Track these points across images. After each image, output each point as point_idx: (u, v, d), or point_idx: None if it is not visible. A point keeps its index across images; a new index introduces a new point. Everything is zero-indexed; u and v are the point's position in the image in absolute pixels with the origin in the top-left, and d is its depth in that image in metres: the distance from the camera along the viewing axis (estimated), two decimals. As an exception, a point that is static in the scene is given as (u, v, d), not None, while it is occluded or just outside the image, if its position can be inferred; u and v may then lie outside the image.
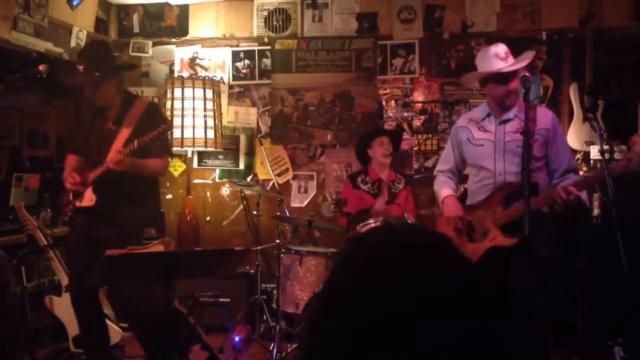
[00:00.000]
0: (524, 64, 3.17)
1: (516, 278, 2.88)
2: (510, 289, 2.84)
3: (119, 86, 3.65)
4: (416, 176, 4.97)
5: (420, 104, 5.18)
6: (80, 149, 3.69)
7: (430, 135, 5.14)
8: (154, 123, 3.54)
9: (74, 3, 4.12)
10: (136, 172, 3.46)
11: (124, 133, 3.51)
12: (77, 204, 3.57)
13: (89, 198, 3.52)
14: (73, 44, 4.87)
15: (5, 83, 3.31)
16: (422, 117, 5.17)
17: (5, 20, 4.14)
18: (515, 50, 3.31)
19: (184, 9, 5.50)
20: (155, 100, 5.34)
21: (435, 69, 5.17)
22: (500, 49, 3.15)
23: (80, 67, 3.47)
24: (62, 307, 4.13)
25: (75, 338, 4.07)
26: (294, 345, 4.06)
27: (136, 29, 5.57)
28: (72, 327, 4.09)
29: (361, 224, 4.10)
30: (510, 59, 3.15)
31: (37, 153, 5.42)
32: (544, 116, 3.15)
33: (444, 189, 3.37)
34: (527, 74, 2.97)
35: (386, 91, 5.24)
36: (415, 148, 5.16)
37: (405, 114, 5.20)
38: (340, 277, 0.86)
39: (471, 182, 3.34)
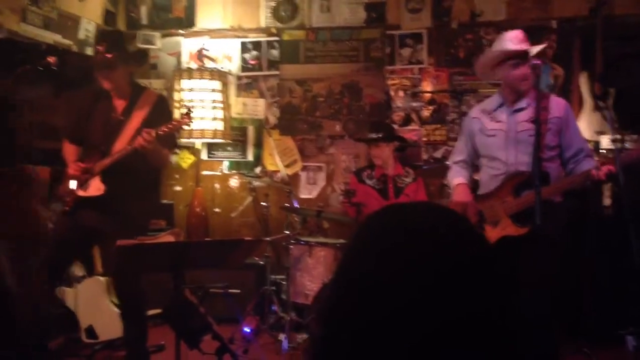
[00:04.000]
0: (537, 48, 3.15)
1: (526, 267, 2.87)
2: (520, 278, 2.83)
3: (130, 76, 3.65)
4: (425, 167, 4.96)
5: (428, 94, 5.16)
6: (82, 137, 3.63)
7: (439, 126, 5.13)
8: (164, 115, 3.55)
9: (82, -5, 4.12)
10: (152, 157, 3.42)
11: (134, 124, 3.49)
12: (81, 193, 3.50)
13: (96, 187, 3.47)
14: (81, 36, 4.88)
15: (15, 75, 3.31)
16: (431, 107, 5.15)
17: (14, 12, 4.15)
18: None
19: (191, 1, 5.50)
20: (164, 92, 5.35)
21: (443, 59, 5.14)
22: (517, 33, 3.14)
23: (101, 47, 3.45)
24: (74, 298, 4.16)
25: (87, 329, 4.11)
26: (304, 336, 4.08)
27: (144, 21, 5.57)
28: (84, 318, 4.13)
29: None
30: (526, 45, 3.13)
31: (46, 145, 5.44)
32: (556, 104, 3.13)
33: (456, 177, 3.37)
34: (537, 62, 2.95)
35: (394, 81, 5.22)
36: (424, 139, 5.15)
37: (414, 104, 5.18)
38: (349, 262, 0.86)
39: (483, 172, 3.33)
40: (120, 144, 3.44)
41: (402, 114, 5.19)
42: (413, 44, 5.16)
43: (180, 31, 5.53)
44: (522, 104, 3.16)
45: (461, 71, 5.06)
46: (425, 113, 5.16)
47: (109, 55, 3.42)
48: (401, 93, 5.20)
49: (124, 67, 3.52)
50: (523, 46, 3.11)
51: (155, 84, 5.47)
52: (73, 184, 3.51)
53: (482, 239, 0.85)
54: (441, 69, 5.14)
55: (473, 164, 3.48)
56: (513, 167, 3.10)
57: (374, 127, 4.65)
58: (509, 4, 5.00)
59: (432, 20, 5.11)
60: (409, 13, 5.15)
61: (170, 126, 3.33)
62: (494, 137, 3.19)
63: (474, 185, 3.50)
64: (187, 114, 3.48)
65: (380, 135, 4.50)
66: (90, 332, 4.12)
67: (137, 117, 3.50)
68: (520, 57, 3.11)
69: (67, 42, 4.75)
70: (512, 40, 3.12)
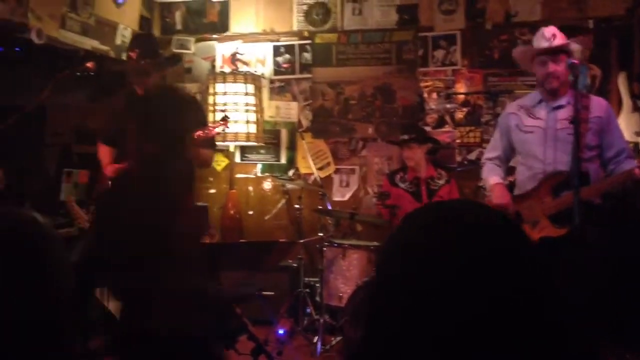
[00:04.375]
0: (560, 42, 3.09)
1: (565, 269, 2.82)
2: (559, 280, 2.78)
3: (163, 79, 3.70)
4: (458, 169, 4.92)
5: (462, 96, 5.11)
6: (117, 141, 3.68)
7: (472, 128, 5.07)
8: (197, 116, 3.59)
9: (119, 1, 4.21)
10: (194, 157, 3.47)
11: None
12: None
13: None
14: (118, 41, 4.97)
15: (54, 80, 3.38)
16: (465, 109, 5.11)
17: (54, 19, 4.25)
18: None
19: (225, 5, 5.56)
20: (198, 96, 5.42)
21: (477, 60, 5.09)
22: (548, 30, 3.10)
23: (133, 54, 3.49)
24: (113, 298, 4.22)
25: (123, 329, 4.17)
26: (338, 338, 4.07)
27: (179, 26, 5.65)
28: (121, 319, 4.18)
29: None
30: (557, 41, 3.08)
31: (85, 149, 5.55)
32: (597, 104, 3.08)
33: (492, 176, 3.32)
34: (575, 61, 2.90)
35: (427, 83, 5.19)
36: (458, 140, 5.10)
37: (448, 106, 5.14)
38: (390, 262, 0.85)
39: (520, 171, 3.28)
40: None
41: (436, 116, 5.16)
42: (446, 46, 5.12)
43: (214, 36, 5.59)
44: (562, 101, 3.11)
45: (496, 72, 5.00)
46: (459, 115, 5.12)
47: (143, 63, 3.46)
48: (434, 95, 5.17)
49: (157, 72, 3.58)
50: (553, 43, 3.06)
51: (190, 88, 5.53)
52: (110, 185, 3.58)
53: (524, 232, 0.84)
54: (475, 70, 5.09)
55: (507, 161, 3.43)
56: (551, 165, 3.05)
57: (405, 129, 4.63)
58: (545, 4, 4.93)
59: (465, 22, 5.07)
60: (442, 14, 5.12)
61: (206, 131, 3.35)
62: (531, 133, 3.15)
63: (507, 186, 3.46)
64: (224, 119, 3.51)
65: (412, 137, 4.48)
66: (127, 332, 4.18)
67: None
68: (547, 54, 3.06)
69: (104, 47, 4.84)
70: (543, 36, 3.08)
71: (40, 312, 0.91)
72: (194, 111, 3.71)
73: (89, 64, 3.48)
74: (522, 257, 0.80)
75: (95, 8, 4.64)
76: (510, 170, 3.56)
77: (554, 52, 3.05)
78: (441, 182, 4.57)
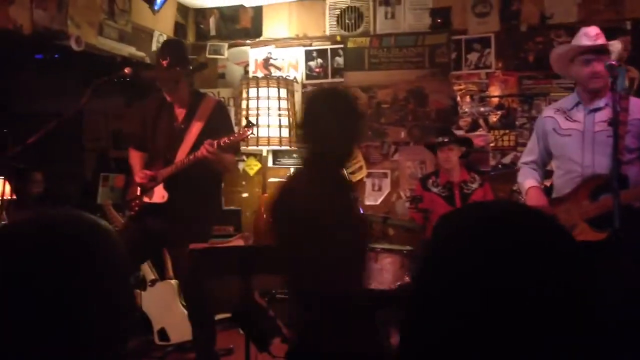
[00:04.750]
0: (604, 42, 3.04)
1: (605, 274, 2.76)
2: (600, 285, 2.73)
3: (191, 85, 3.74)
4: (492, 173, 4.86)
5: (496, 99, 5.06)
6: (147, 145, 3.73)
7: (507, 131, 5.01)
8: (223, 121, 3.62)
9: (155, 8, 4.28)
10: (217, 164, 3.49)
11: (194, 131, 3.56)
12: (146, 200, 3.59)
13: (160, 195, 3.55)
14: (154, 48, 5.05)
15: (93, 86, 3.44)
16: (499, 112, 5.05)
17: (92, 26, 4.34)
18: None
19: (258, 11, 5.61)
20: (231, 101, 5.49)
21: (512, 63, 5.03)
22: (592, 29, 3.05)
23: (164, 62, 3.53)
24: (147, 300, 4.29)
25: (159, 331, 4.23)
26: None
27: (212, 32, 5.73)
28: (157, 321, 4.25)
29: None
30: (601, 40, 3.02)
31: (121, 154, 5.66)
32: (637, 106, 3.01)
33: (528, 180, 3.27)
34: (613, 62, 2.85)
35: (461, 87, 5.15)
36: (492, 144, 5.05)
37: (482, 109, 5.09)
38: (431, 265, 0.83)
39: (557, 175, 3.22)
40: (183, 152, 3.52)
41: (469, 119, 5.11)
42: (480, 49, 5.08)
43: (247, 41, 5.65)
44: (600, 103, 3.05)
45: (531, 75, 4.94)
46: (493, 118, 5.07)
47: (173, 71, 3.50)
48: (468, 98, 5.13)
49: (187, 79, 3.62)
50: (597, 42, 3.01)
51: (223, 93, 5.60)
52: (139, 191, 3.63)
53: (566, 231, 0.83)
54: (510, 73, 5.03)
55: (544, 165, 3.37)
56: (589, 169, 2.99)
57: (441, 132, 4.60)
58: (581, 5, 4.85)
59: (500, 24, 5.02)
60: (475, 17, 5.08)
61: (231, 138, 3.36)
62: (569, 136, 3.09)
63: (544, 190, 3.40)
64: (249, 126, 3.53)
65: (451, 138, 4.45)
66: (163, 334, 4.24)
67: (197, 125, 3.57)
68: (592, 53, 3.01)
69: (140, 54, 4.93)
70: (586, 35, 3.03)
71: (107, 313, 0.93)
72: (224, 118, 3.74)
73: (126, 70, 3.53)
74: (570, 257, 0.78)
75: (132, 15, 4.73)
76: (548, 174, 3.50)
77: (598, 52, 3.00)
78: (474, 185, 4.52)
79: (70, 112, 3.45)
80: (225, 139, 3.33)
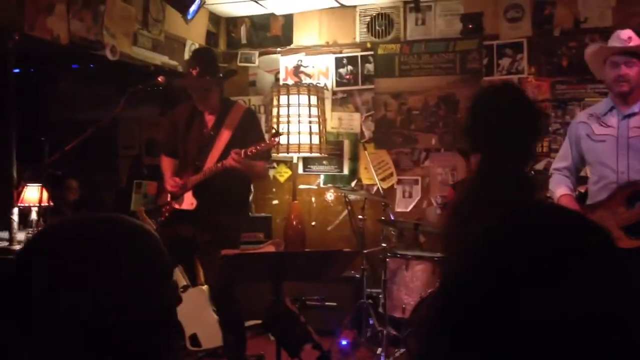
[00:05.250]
0: (637, 45, 2.97)
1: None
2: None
3: (221, 92, 3.78)
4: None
5: (529, 105, 4.99)
6: (178, 152, 3.76)
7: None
8: (253, 129, 3.64)
9: (188, 17, 4.34)
10: (246, 172, 3.52)
11: (224, 138, 3.59)
12: (177, 206, 3.63)
13: (189, 202, 3.59)
14: (186, 56, 5.13)
15: (127, 95, 3.51)
16: (532, 118, 4.98)
17: (127, 36, 4.43)
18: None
19: (289, 19, 5.65)
20: (262, 108, 5.53)
21: (545, 68, 4.97)
22: (625, 32, 2.99)
23: (194, 71, 3.56)
24: (179, 306, 4.33)
25: (191, 337, 4.26)
26: (402, 350, 4.03)
27: (243, 40, 5.79)
28: (188, 326, 4.28)
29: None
30: (633, 43, 2.96)
31: (154, 161, 5.74)
32: None
33: (560, 188, 3.21)
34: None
35: (493, 92, 5.09)
36: (525, 150, 4.97)
37: (514, 115, 5.02)
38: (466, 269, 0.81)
39: (591, 182, 3.16)
40: (212, 159, 3.55)
41: (501, 125, 5.05)
42: (512, 54, 5.02)
43: (278, 49, 5.69)
44: (635, 108, 2.99)
45: (564, 80, 4.86)
46: (526, 124, 4.99)
47: (203, 80, 3.53)
48: (500, 104, 5.06)
49: (217, 87, 3.67)
50: (628, 45, 2.95)
51: (254, 101, 5.65)
52: (169, 197, 3.68)
53: (605, 230, 0.80)
54: (542, 78, 4.96)
55: (577, 172, 3.31)
56: (624, 175, 2.93)
57: None
58: (616, 9, 4.76)
59: (532, 29, 4.96)
60: (507, 22, 5.03)
61: (258, 147, 3.37)
62: (603, 142, 3.03)
63: (578, 197, 3.34)
64: (276, 135, 3.55)
65: None
66: (194, 339, 4.27)
67: (227, 132, 3.59)
68: (621, 55, 2.95)
69: (173, 62, 5.00)
70: (618, 37, 2.98)
71: (156, 313, 0.94)
72: (254, 125, 3.78)
73: (160, 79, 3.59)
74: (613, 261, 0.76)
75: (165, 25, 4.81)
76: (583, 180, 3.43)
77: (628, 55, 2.94)
78: (507, 192, 4.46)
79: (106, 120, 3.52)
80: (252, 149, 3.35)
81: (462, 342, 0.76)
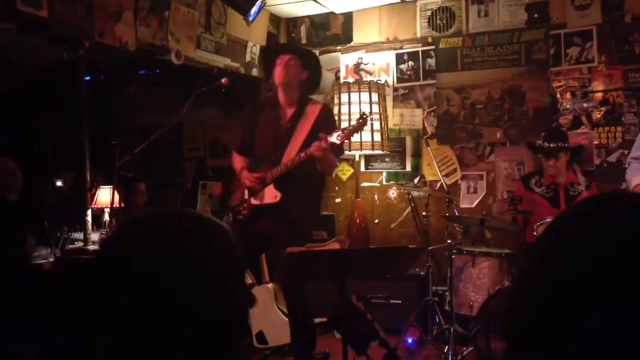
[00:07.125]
0: None
1: None
2: None
3: (303, 90, 3.82)
4: (596, 172, 4.62)
5: (600, 95, 4.80)
6: (250, 148, 3.80)
7: (612, 128, 4.74)
8: (330, 124, 3.66)
9: (250, 19, 4.40)
10: (323, 163, 3.52)
11: (304, 130, 3.61)
12: (256, 202, 3.65)
13: (271, 195, 3.60)
14: (248, 58, 5.20)
15: (192, 98, 3.58)
16: (603, 108, 4.78)
17: (191, 40, 4.53)
18: None
19: (348, 17, 5.64)
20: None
21: (616, 56, 4.76)
22: None
23: (303, 77, 3.71)
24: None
25: (257, 334, 4.32)
26: (470, 348, 3.95)
27: (303, 40, 5.81)
28: (255, 324, 4.34)
29: (538, 223, 3.89)
30: None
31: (218, 162, 5.86)
32: None
33: (636, 177, 3.07)
34: None
35: (560, 83, 4.93)
36: (596, 142, 4.79)
37: (585, 105, 4.84)
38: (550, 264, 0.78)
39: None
40: (290, 153, 3.56)
41: (570, 116, 4.88)
42: (581, 43, 4.84)
43: (338, 47, 5.69)
44: None
45: (637, 68, 4.64)
46: (597, 115, 4.80)
47: (308, 86, 3.69)
48: (568, 95, 4.90)
49: (302, 85, 3.72)
50: None
51: (315, 99, 5.65)
52: (246, 194, 3.71)
53: None
54: (614, 66, 4.76)
55: None
56: None
57: (550, 137, 4.38)
58: (692, -10, 4.52)
59: (602, 16, 4.76)
60: (575, 10, 4.85)
61: (346, 131, 3.40)
62: None
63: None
64: (363, 118, 3.53)
65: (560, 145, 4.24)
66: (261, 337, 4.32)
67: (305, 126, 3.62)
68: None
69: (235, 64, 5.08)
70: None
71: (230, 311, 0.96)
72: (331, 121, 3.80)
73: (224, 80, 3.65)
74: None
75: (227, 28, 4.89)
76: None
77: None
78: (581, 187, 4.31)
79: (172, 124, 3.61)
80: (341, 132, 3.37)
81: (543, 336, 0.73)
